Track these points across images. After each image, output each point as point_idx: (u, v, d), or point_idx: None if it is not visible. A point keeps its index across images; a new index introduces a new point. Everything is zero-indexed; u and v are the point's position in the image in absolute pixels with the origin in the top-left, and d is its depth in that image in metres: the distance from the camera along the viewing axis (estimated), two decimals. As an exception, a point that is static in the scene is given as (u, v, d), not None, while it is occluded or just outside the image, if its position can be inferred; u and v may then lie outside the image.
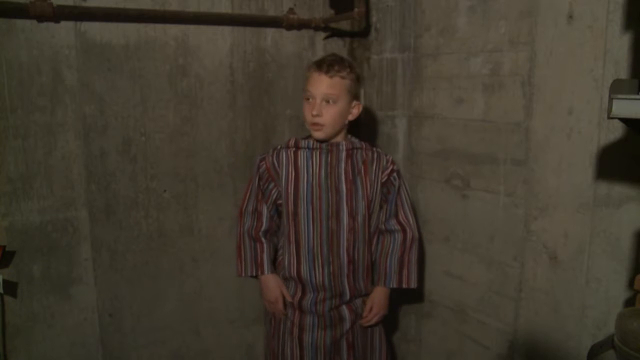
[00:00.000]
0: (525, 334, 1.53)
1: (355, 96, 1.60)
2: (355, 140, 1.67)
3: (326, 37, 2.08)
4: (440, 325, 1.85)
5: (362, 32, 2.08)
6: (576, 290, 1.37)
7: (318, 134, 1.57)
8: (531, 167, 1.46)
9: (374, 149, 1.69)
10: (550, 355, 1.46)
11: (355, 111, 1.61)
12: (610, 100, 0.87)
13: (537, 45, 1.41)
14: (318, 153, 1.61)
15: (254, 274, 1.69)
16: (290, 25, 1.96)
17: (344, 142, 1.62)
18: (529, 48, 1.43)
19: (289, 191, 1.60)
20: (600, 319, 1.32)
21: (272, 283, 1.67)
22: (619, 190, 1.25)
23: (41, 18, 1.55)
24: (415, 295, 1.95)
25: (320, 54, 2.07)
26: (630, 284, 1.22)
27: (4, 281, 1.57)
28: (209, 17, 1.80)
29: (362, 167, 1.62)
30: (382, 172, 1.65)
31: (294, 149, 1.63)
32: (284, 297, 1.67)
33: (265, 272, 1.67)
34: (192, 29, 1.80)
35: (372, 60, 2.05)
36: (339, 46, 2.12)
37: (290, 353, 1.65)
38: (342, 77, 1.54)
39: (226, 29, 1.86)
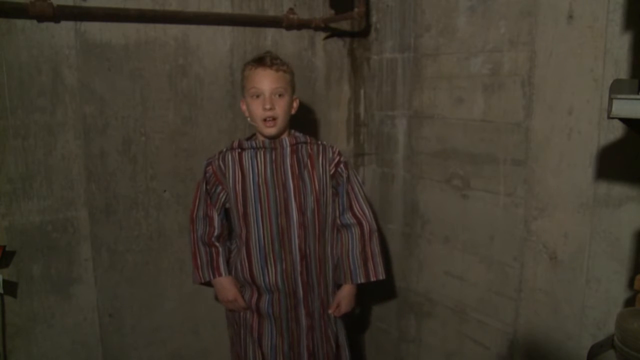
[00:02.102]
0: (525, 334, 1.53)
1: (294, 90, 1.64)
2: (299, 135, 1.67)
3: (326, 37, 2.08)
4: (440, 325, 1.85)
5: (362, 32, 2.08)
6: (576, 290, 1.37)
7: (271, 130, 1.57)
8: (531, 167, 1.46)
9: (319, 142, 1.70)
10: (550, 355, 1.46)
11: (295, 105, 1.64)
12: (610, 100, 0.87)
13: (537, 45, 1.41)
14: (262, 152, 1.60)
15: (211, 278, 1.66)
16: (290, 25, 1.96)
17: (287, 138, 1.62)
18: (529, 48, 1.43)
19: (237, 192, 1.60)
20: (600, 319, 1.32)
21: (228, 284, 1.65)
22: (619, 190, 1.25)
23: (41, 18, 1.55)
24: (415, 295, 1.95)
25: (320, 54, 2.07)
26: (630, 284, 1.22)
27: (4, 281, 1.57)
28: (209, 17, 1.80)
29: (309, 162, 1.63)
30: (330, 165, 1.66)
31: (238, 150, 1.62)
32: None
33: (223, 274, 1.65)
34: (192, 29, 1.80)
35: (372, 60, 2.05)
36: (339, 46, 2.12)
37: (253, 355, 1.65)
38: (285, 71, 1.58)
39: (226, 29, 1.86)
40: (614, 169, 1.26)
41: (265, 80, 1.54)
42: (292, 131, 1.67)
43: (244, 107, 1.64)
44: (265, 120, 1.55)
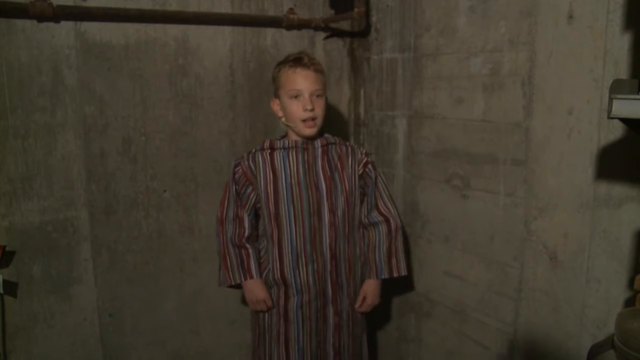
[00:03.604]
0: (525, 334, 1.53)
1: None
2: (329, 136, 1.68)
3: (326, 37, 2.08)
4: (440, 325, 1.85)
5: (362, 32, 2.08)
6: (576, 290, 1.37)
7: (312, 131, 1.58)
8: (531, 167, 1.46)
9: (347, 143, 1.72)
10: (550, 355, 1.46)
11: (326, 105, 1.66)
12: (610, 100, 0.87)
13: (537, 45, 1.41)
14: (294, 152, 1.61)
15: (242, 280, 1.63)
16: (290, 25, 1.96)
17: (318, 139, 1.63)
18: (529, 48, 1.43)
19: (269, 193, 1.59)
20: (600, 319, 1.32)
21: (259, 286, 1.64)
22: (619, 190, 1.25)
23: (41, 18, 1.55)
24: (415, 295, 1.95)
25: (320, 54, 2.07)
26: (630, 284, 1.22)
27: (4, 281, 1.57)
28: (209, 17, 1.80)
29: (339, 162, 1.64)
30: (358, 165, 1.68)
31: (269, 150, 1.62)
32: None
33: (254, 276, 1.63)
34: (192, 29, 1.80)
35: (372, 60, 2.05)
36: (339, 46, 2.12)
37: (277, 357, 1.64)
38: (321, 72, 1.60)
39: (226, 29, 1.86)
40: (614, 169, 1.26)
41: (306, 82, 1.55)
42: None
43: (275, 107, 1.64)
44: (304, 120, 1.56)
